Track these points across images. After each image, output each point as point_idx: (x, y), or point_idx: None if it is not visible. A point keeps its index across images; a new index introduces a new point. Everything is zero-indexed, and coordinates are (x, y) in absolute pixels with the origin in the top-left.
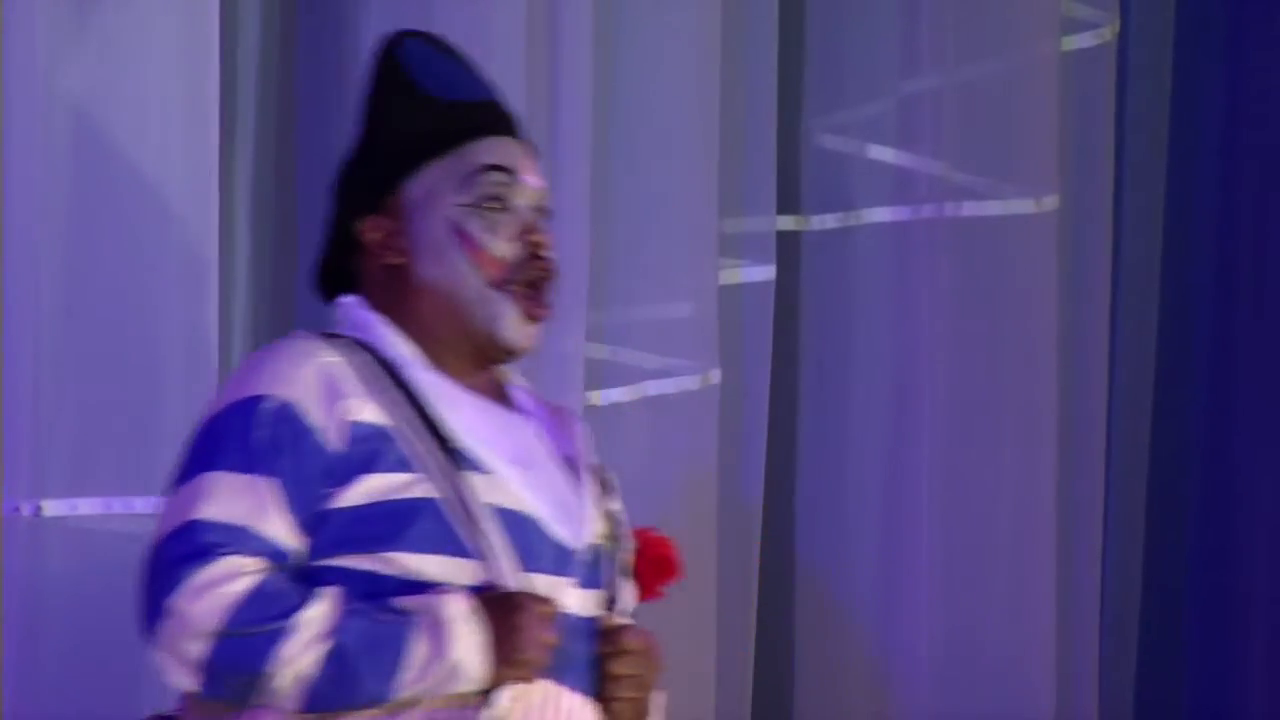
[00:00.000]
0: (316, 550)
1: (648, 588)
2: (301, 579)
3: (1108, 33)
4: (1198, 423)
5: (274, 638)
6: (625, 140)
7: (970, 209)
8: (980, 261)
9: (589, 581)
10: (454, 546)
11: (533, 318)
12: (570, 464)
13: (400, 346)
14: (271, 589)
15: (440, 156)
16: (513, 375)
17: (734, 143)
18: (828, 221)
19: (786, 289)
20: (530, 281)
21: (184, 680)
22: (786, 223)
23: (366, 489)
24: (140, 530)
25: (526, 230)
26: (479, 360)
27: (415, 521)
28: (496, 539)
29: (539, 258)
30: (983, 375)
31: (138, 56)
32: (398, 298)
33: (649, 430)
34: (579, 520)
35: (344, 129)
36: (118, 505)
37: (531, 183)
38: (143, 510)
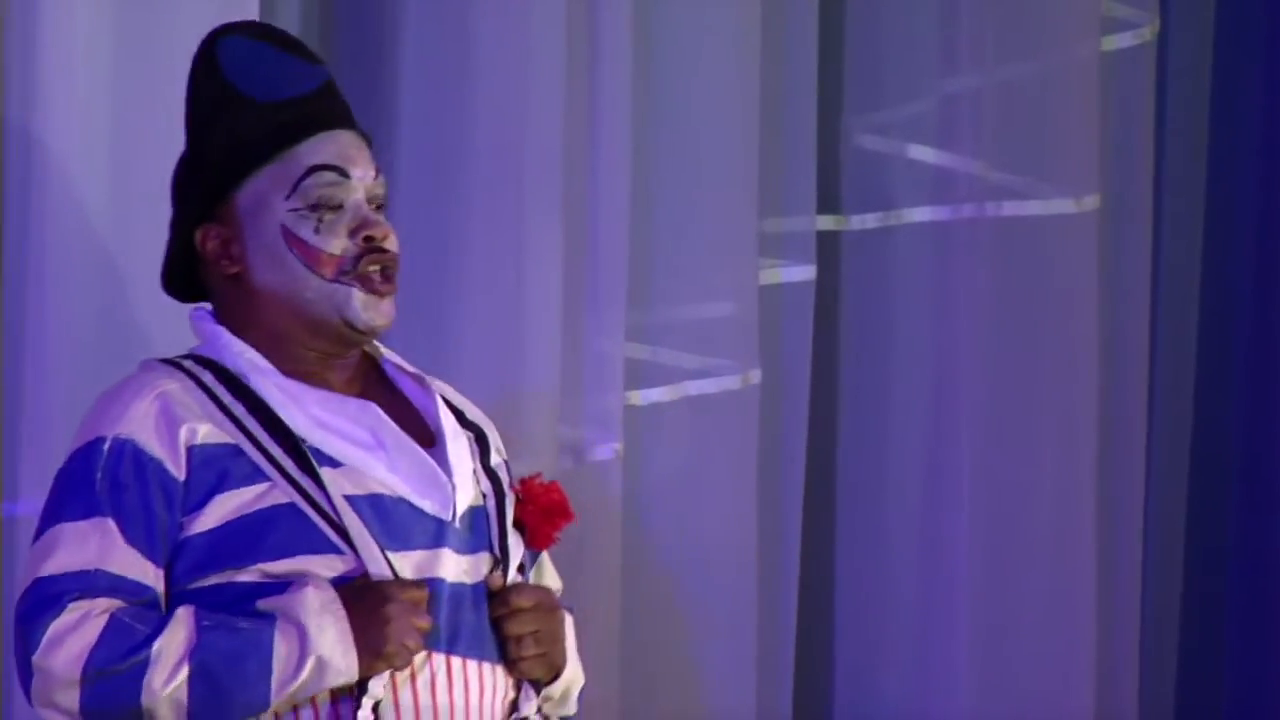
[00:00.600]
0: (185, 575)
1: (544, 535)
2: (177, 603)
3: (1148, 32)
4: (1238, 422)
5: (137, 672)
6: (665, 140)
7: (1010, 209)
8: (1020, 261)
9: (471, 546)
10: (317, 545)
11: (380, 294)
12: (437, 433)
13: (245, 355)
14: (123, 624)
15: (267, 162)
16: (379, 349)
17: (774, 143)
18: (868, 221)
19: (826, 289)
20: (370, 271)
21: None
22: (826, 222)
23: (220, 510)
24: None
25: (361, 225)
26: (336, 351)
27: (272, 530)
28: (358, 529)
29: (377, 250)
30: (1022, 375)
31: (175, 53)
32: (241, 305)
33: (689, 430)
34: (446, 489)
35: (382, 125)
36: None
37: (362, 175)
38: None
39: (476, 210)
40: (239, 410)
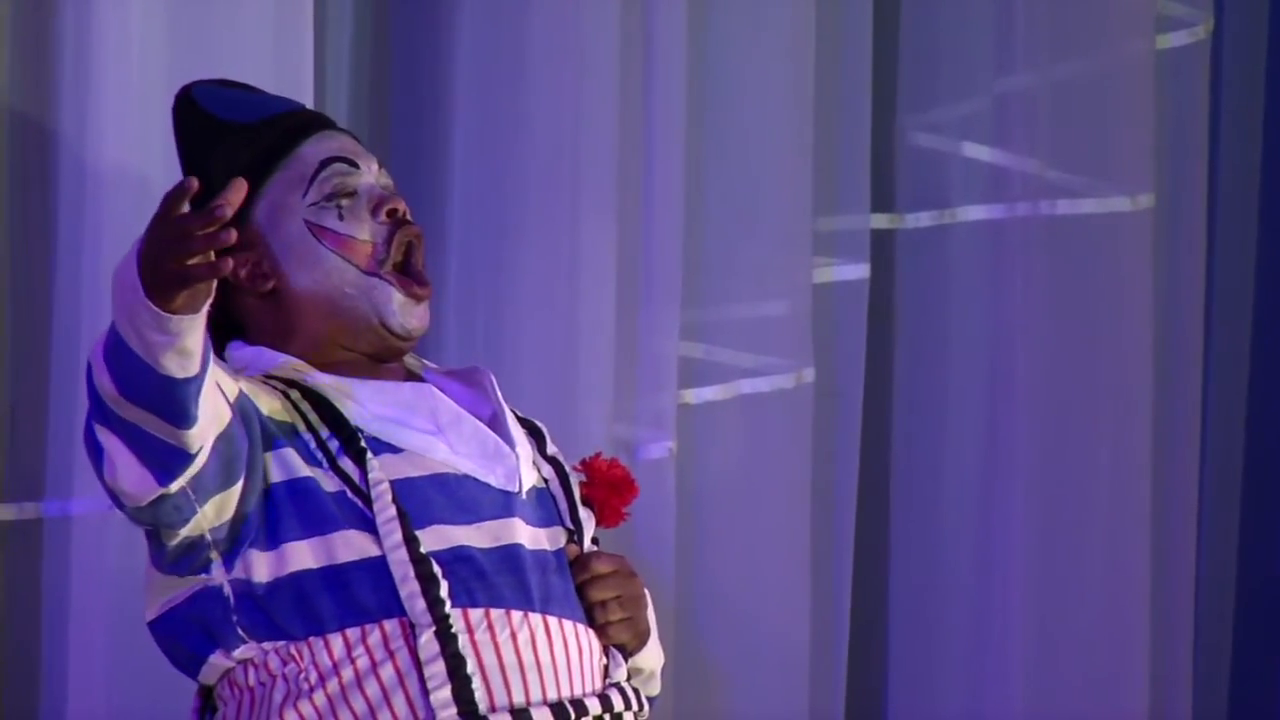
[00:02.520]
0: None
1: (612, 510)
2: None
3: (1202, 31)
4: None
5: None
6: (719, 139)
7: (1065, 207)
8: (1075, 259)
9: (543, 521)
10: (354, 521)
11: (416, 298)
12: (493, 420)
13: (291, 363)
14: None
15: (274, 171)
16: (420, 360)
17: (828, 141)
18: (922, 220)
19: (881, 287)
20: (404, 259)
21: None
22: (881, 221)
23: (282, 468)
24: None
25: (380, 202)
26: (377, 354)
27: (319, 504)
28: (388, 515)
29: (404, 223)
30: (1078, 373)
31: (232, 55)
32: (279, 319)
33: (742, 429)
34: (510, 459)
35: (438, 126)
36: None
37: (369, 166)
38: None
39: (531, 210)
40: (296, 395)
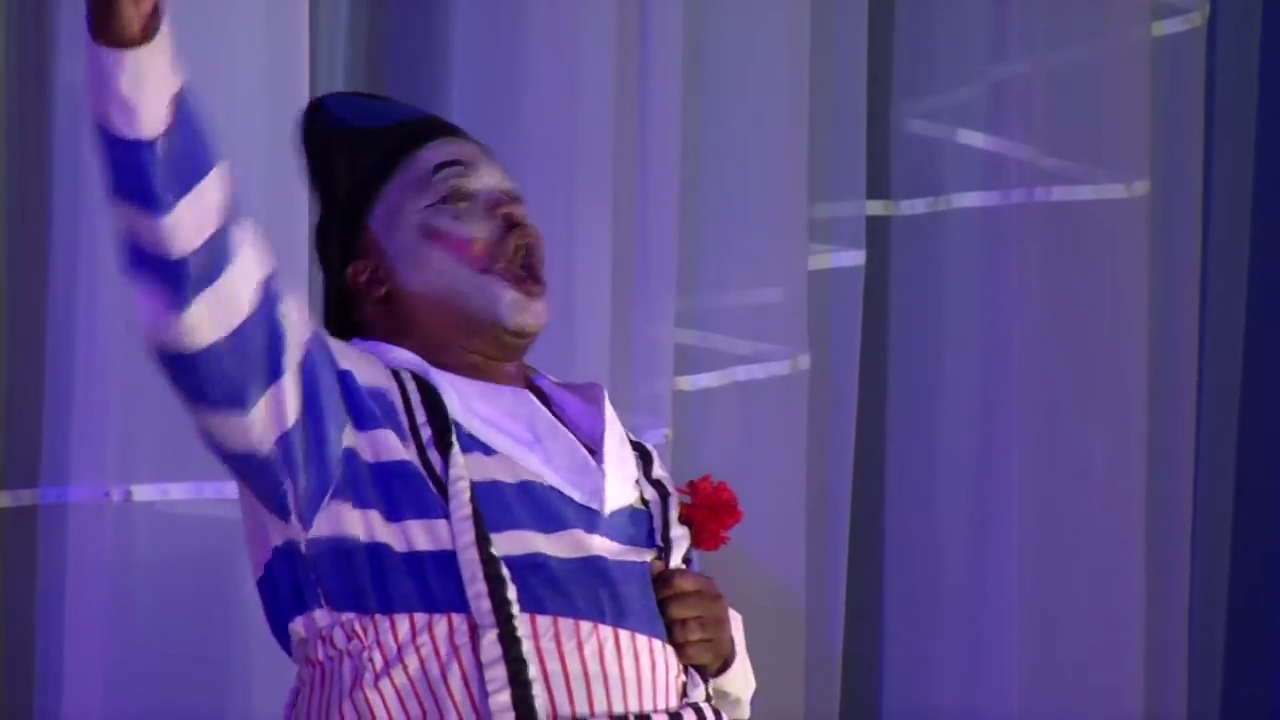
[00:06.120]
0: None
1: (710, 533)
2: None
3: (1198, 18)
4: None
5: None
6: (715, 126)
7: (1060, 194)
8: (1070, 246)
9: (634, 540)
10: (428, 509)
11: (531, 294)
12: (595, 439)
13: (404, 355)
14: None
15: (392, 176)
16: (537, 370)
17: (823, 128)
18: (917, 206)
19: (876, 274)
20: (518, 258)
21: None
22: (876, 208)
23: (376, 447)
24: (231, 515)
25: (495, 206)
26: (493, 354)
27: (402, 484)
28: (464, 512)
29: (518, 226)
30: (1072, 360)
31: (228, 55)
32: (397, 324)
33: (738, 415)
34: (597, 477)
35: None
36: (208, 490)
37: (489, 169)
38: (233, 495)
39: (526, 196)
40: (407, 376)
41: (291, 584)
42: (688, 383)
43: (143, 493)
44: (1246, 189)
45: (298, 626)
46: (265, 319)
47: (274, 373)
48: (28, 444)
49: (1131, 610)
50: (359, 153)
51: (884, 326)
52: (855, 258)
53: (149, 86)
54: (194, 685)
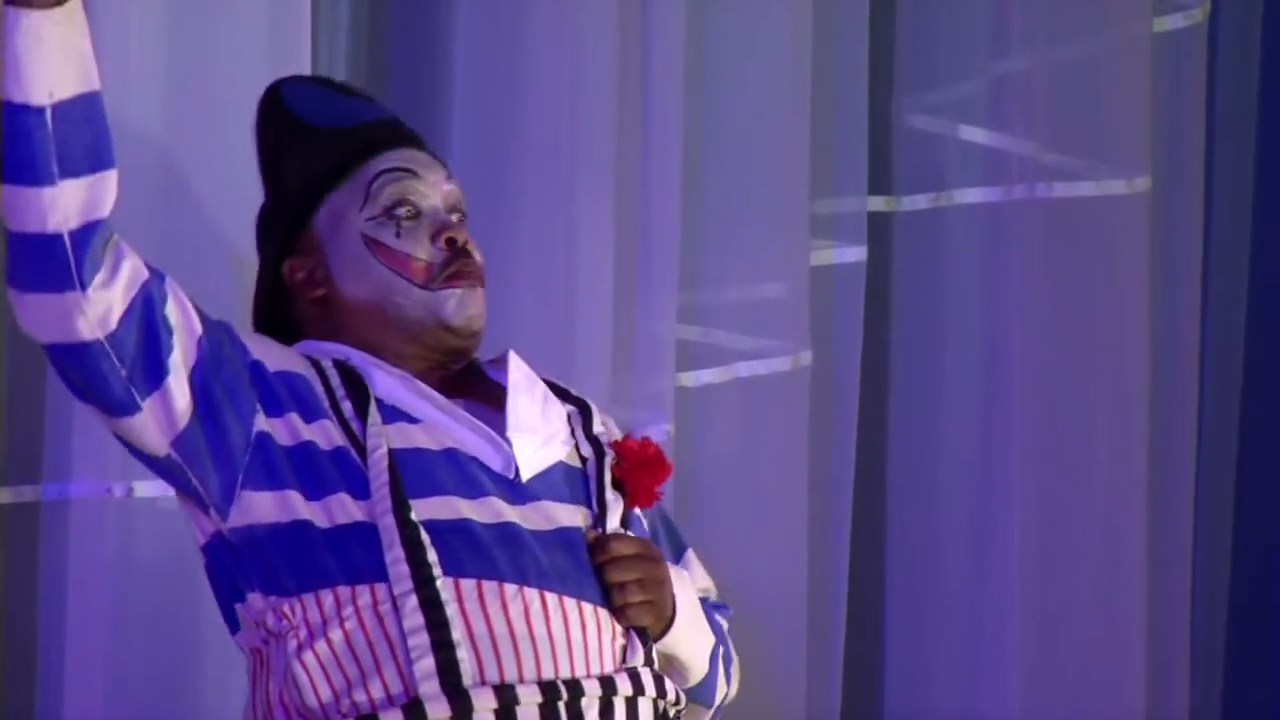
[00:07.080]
0: (255, 475)
1: (644, 490)
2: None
3: (1199, 13)
4: None
5: None
6: (716, 121)
7: (1062, 190)
8: (1071, 242)
9: (568, 499)
10: (354, 489)
11: (471, 285)
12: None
13: (337, 350)
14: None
15: (341, 182)
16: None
17: (825, 123)
18: (919, 202)
19: (878, 270)
20: (456, 268)
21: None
22: (878, 203)
23: (290, 430)
24: None
25: (441, 228)
26: (437, 358)
27: (324, 466)
28: (381, 485)
29: (462, 253)
30: (1074, 356)
31: (229, 54)
32: (330, 323)
33: (740, 411)
34: (506, 454)
35: (436, 107)
36: None
37: (435, 181)
38: None
39: (528, 192)
40: (327, 363)
41: (225, 574)
42: (690, 379)
43: (144, 489)
44: (1248, 184)
45: (239, 614)
46: (144, 321)
47: (157, 375)
48: (30, 440)
49: (1133, 608)
50: (311, 155)
51: (886, 322)
52: (857, 253)
53: (44, 52)
54: (195, 681)
